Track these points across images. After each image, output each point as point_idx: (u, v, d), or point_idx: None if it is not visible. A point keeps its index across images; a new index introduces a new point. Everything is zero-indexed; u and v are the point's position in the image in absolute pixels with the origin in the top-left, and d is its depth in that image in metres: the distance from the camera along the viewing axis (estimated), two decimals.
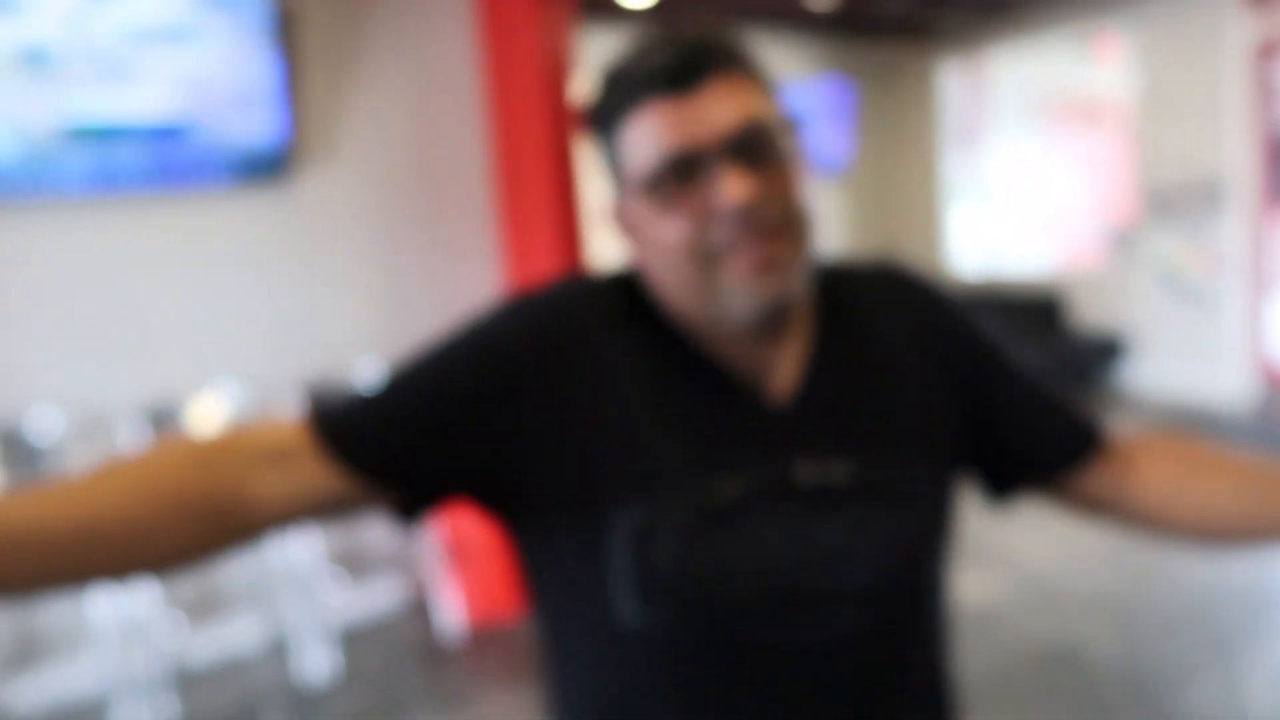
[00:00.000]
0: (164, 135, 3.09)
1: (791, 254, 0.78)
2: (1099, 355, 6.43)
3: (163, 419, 3.12)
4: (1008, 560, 3.73)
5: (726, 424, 0.80)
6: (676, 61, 0.76)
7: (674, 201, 0.76)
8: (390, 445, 0.77)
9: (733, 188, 0.75)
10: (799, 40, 7.39)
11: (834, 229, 7.75)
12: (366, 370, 3.52)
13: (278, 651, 3.33)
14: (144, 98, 3.04)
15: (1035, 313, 6.86)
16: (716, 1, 6.15)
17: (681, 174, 0.76)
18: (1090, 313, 6.73)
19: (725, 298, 0.77)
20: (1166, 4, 6.03)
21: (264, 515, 0.75)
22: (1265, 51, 5.69)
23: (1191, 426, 5.44)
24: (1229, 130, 5.85)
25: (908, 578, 0.82)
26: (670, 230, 0.77)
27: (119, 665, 2.93)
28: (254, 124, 3.23)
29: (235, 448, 0.75)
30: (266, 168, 3.29)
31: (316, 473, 0.76)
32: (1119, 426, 0.96)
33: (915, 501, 0.82)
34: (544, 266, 3.46)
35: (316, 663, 3.17)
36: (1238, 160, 5.83)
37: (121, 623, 2.98)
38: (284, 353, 3.42)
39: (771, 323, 0.79)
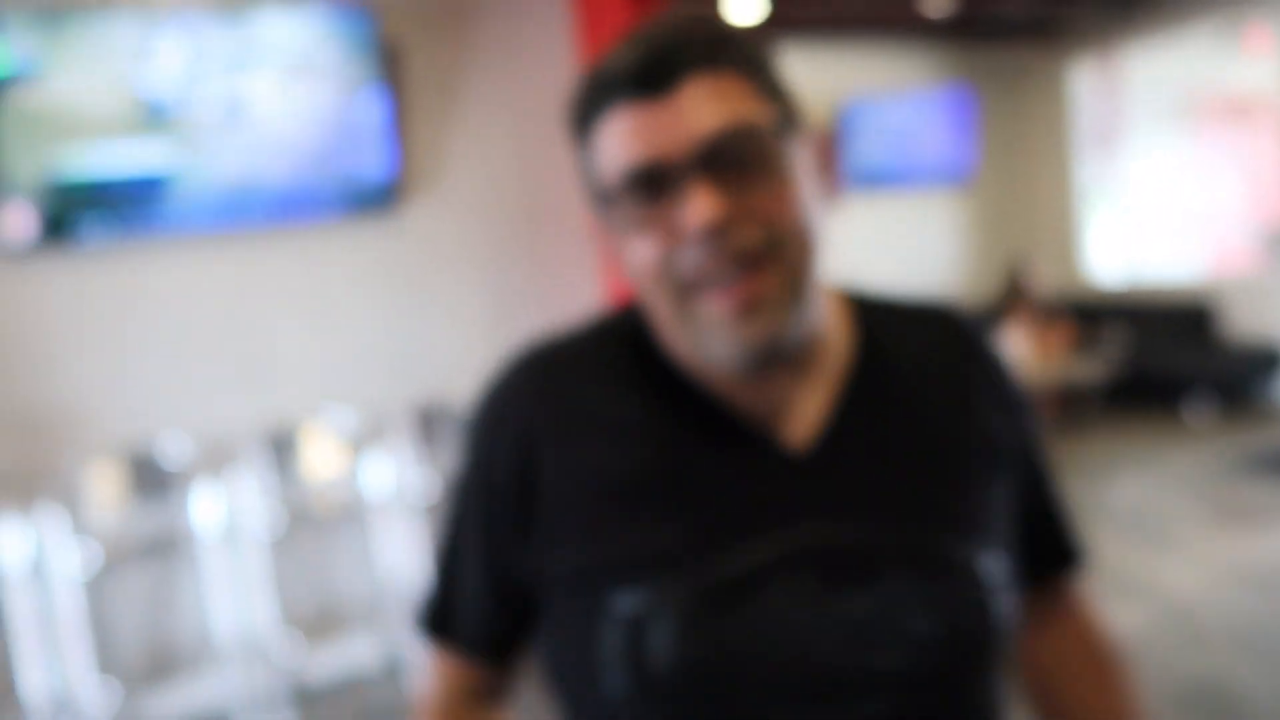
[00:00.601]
0: (281, 173, 3.24)
1: (779, 289, 0.67)
2: (1255, 366, 5.94)
3: (282, 444, 3.25)
4: (1151, 591, 3.47)
5: (737, 481, 0.70)
6: (648, 59, 0.66)
7: (641, 221, 0.67)
8: (498, 619, 0.79)
9: (699, 207, 0.64)
10: (916, 49, 7.19)
11: (957, 241, 7.47)
12: (473, 394, 3.57)
13: (394, 670, 3.40)
14: (262, 137, 3.20)
15: (1183, 322, 6.40)
16: (827, 10, 6.06)
17: (648, 190, 0.66)
18: (1244, 321, 6.24)
19: (705, 338, 0.68)
20: None
21: None
22: None
23: None
24: None
25: (953, 660, 0.69)
26: (640, 252, 0.68)
27: (242, 681, 3.05)
28: (365, 158, 3.35)
29: None
30: (377, 200, 3.41)
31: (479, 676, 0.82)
32: (1081, 585, 0.91)
33: (962, 574, 0.70)
34: None
35: None
36: None
37: (243, 640, 3.12)
38: (395, 378, 3.53)
39: (758, 368, 0.69)
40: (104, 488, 3.00)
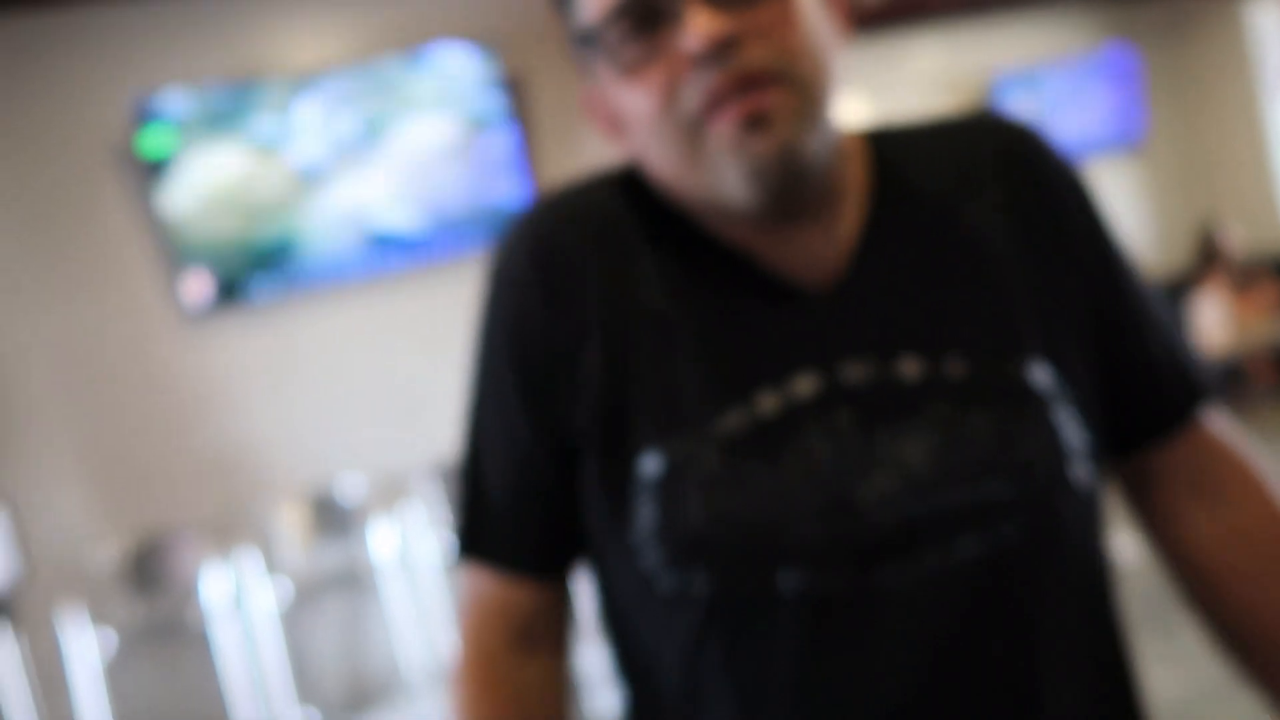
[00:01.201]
0: (423, 213, 3.39)
1: (788, 107, 0.59)
2: None
3: (451, 476, 3.36)
4: None
5: (758, 325, 0.64)
6: None
7: (634, 60, 0.60)
8: (545, 525, 0.70)
9: (696, 24, 0.57)
10: (1069, 14, 6.79)
11: (1134, 210, 6.94)
12: None
13: (577, 694, 3.42)
14: (401, 182, 3.36)
15: None
16: None
17: (637, 22, 0.59)
18: None
19: (717, 171, 0.60)
20: None
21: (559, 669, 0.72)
22: None
23: None
24: None
25: (1029, 494, 0.61)
26: (638, 101, 0.61)
27: (433, 708, 3.14)
28: (499, 190, 3.46)
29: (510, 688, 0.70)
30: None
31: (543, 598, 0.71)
32: (1220, 417, 0.71)
33: (1020, 403, 0.62)
34: None
35: (607, 701, 3.22)
36: None
37: (430, 668, 3.22)
38: None
39: (779, 191, 0.61)
40: (292, 527, 3.18)
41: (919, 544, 0.60)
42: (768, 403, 0.62)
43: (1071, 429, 0.63)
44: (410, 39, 3.45)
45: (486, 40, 3.48)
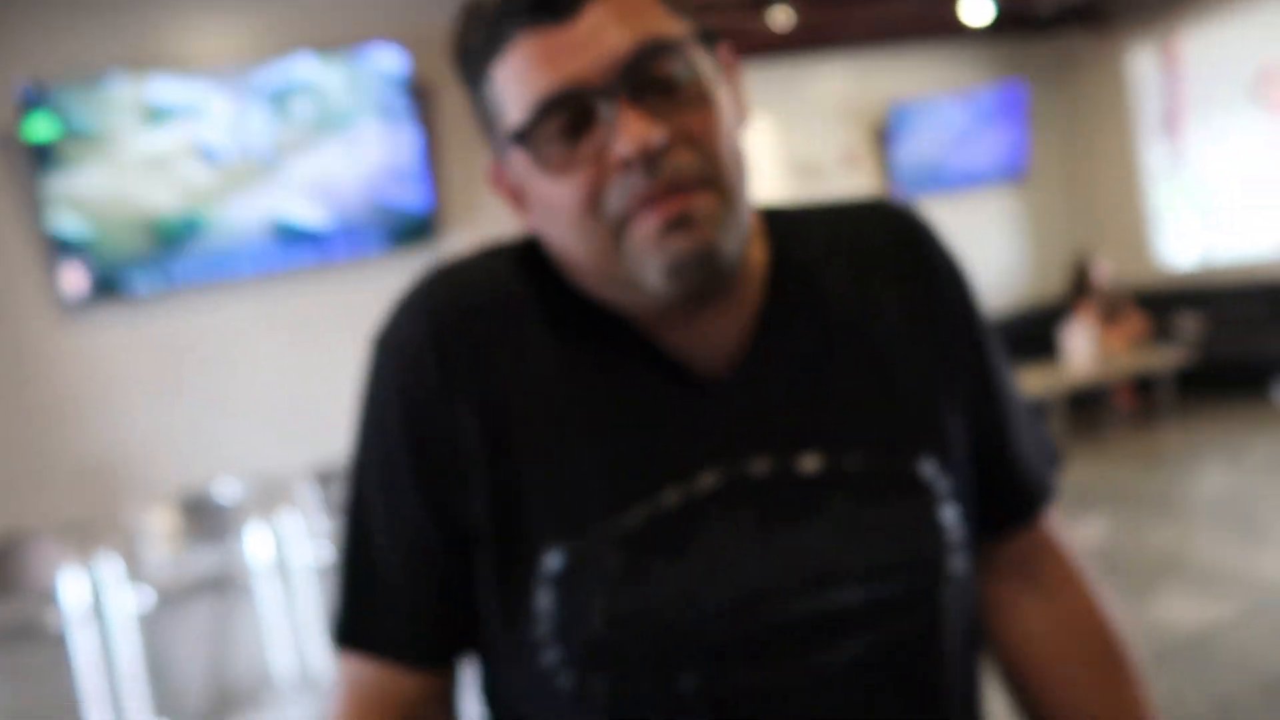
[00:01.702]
0: (322, 211, 3.32)
1: (711, 209, 0.60)
2: None
3: (332, 481, 3.30)
4: (1241, 582, 3.27)
5: (659, 417, 0.63)
6: None
7: (560, 159, 0.60)
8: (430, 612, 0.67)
9: (629, 131, 0.57)
10: (965, 50, 7.07)
11: (1016, 239, 7.27)
12: None
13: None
14: (302, 178, 3.28)
15: (1266, 301, 6.09)
16: (868, 22, 6.01)
17: (566, 122, 0.59)
18: None
19: (635, 266, 0.60)
20: None
21: None
22: None
23: None
24: None
25: (918, 589, 0.63)
26: (560, 195, 0.60)
27: (300, 715, 3.08)
28: (403, 192, 3.41)
29: None
30: (416, 232, 3.47)
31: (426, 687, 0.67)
32: (1056, 516, 0.76)
33: (912, 497, 0.64)
34: None
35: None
36: None
37: (300, 675, 3.15)
38: None
39: (695, 286, 0.61)
40: (161, 530, 3.08)
41: (816, 641, 0.61)
42: (670, 498, 0.62)
43: (954, 521, 0.65)
44: (321, 39, 3.38)
45: (398, 42, 3.44)
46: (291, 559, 3.21)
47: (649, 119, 0.58)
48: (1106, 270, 6.30)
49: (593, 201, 0.60)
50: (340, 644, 0.67)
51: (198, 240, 3.17)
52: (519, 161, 0.63)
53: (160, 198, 3.13)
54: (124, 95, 3.08)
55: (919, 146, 6.76)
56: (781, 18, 5.50)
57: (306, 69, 3.29)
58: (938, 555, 0.64)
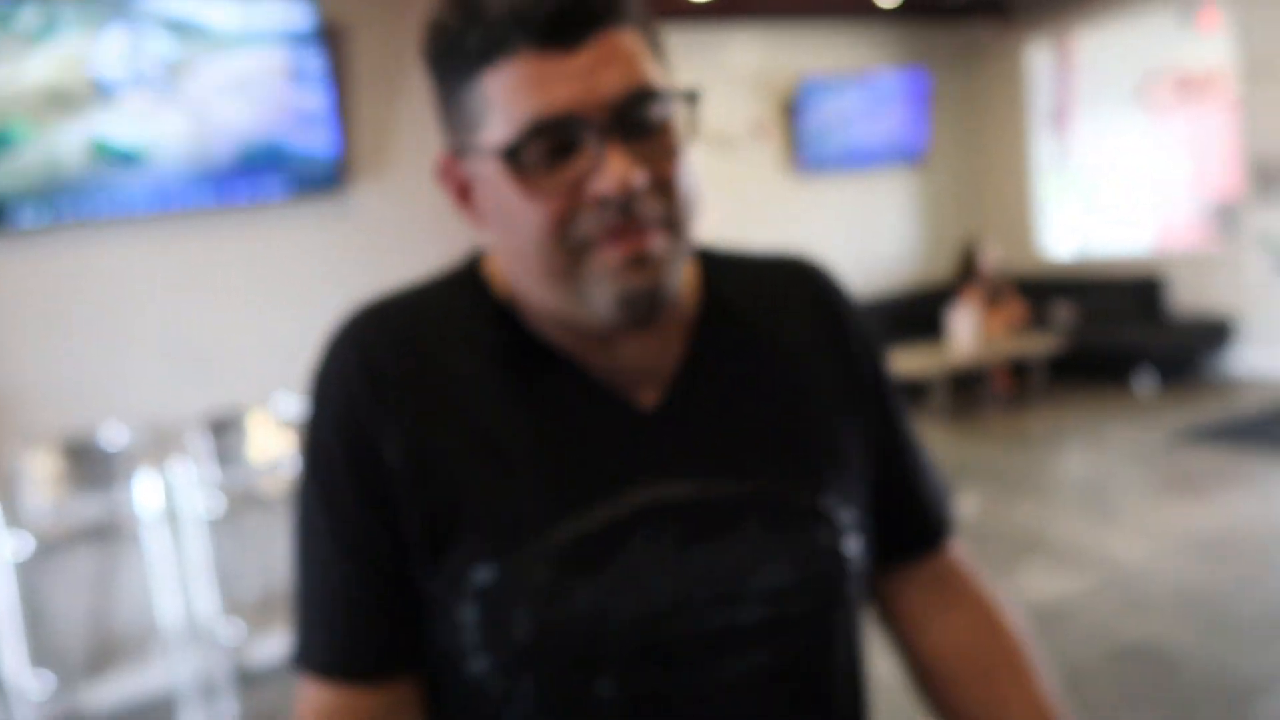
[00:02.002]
0: (223, 153, 3.19)
1: (668, 250, 0.65)
2: (1204, 339, 6.05)
3: (226, 429, 3.22)
4: (1096, 557, 3.53)
5: (588, 440, 0.68)
6: (556, 6, 0.61)
7: (537, 178, 0.63)
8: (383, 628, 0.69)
9: (615, 170, 0.61)
10: (872, 31, 7.21)
11: (911, 220, 7.52)
12: None
13: None
14: (204, 117, 3.15)
15: (1135, 295, 6.50)
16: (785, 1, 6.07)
17: (553, 147, 0.62)
18: (1194, 295, 6.35)
19: (587, 289, 0.65)
20: None
21: None
22: None
23: None
24: None
25: (812, 606, 0.70)
26: (530, 212, 0.63)
27: (185, 667, 3.03)
28: (309, 138, 3.31)
29: None
30: (322, 180, 3.37)
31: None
32: (960, 545, 0.85)
33: (812, 519, 0.70)
34: None
35: None
36: None
37: (186, 626, 3.09)
38: None
39: (637, 318, 0.66)
40: (41, 476, 2.96)
41: (721, 652, 0.67)
42: (598, 517, 0.66)
43: (852, 551, 0.72)
44: None
45: None
46: (181, 508, 3.13)
47: (632, 160, 0.62)
48: (993, 256, 6.59)
49: (560, 226, 0.63)
50: (300, 669, 0.71)
51: (90, 174, 3.01)
52: (491, 170, 0.65)
53: (44, 128, 2.95)
54: (11, 20, 2.89)
55: (825, 122, 6.89)
56: None
57: (209, 6, 3.14)
58: (835, 581, 0.71)
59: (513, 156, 0.62)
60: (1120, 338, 6.13)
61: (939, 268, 7.48)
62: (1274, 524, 3.67)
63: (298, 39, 3.25)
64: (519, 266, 0.67)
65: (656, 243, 0.64)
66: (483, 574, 0.65)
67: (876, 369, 0.79)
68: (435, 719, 0.72)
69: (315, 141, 3.32)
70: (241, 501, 3.32)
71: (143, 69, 3.06)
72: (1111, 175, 7.35)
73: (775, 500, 0.70)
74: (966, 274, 6.58)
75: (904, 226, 7.49)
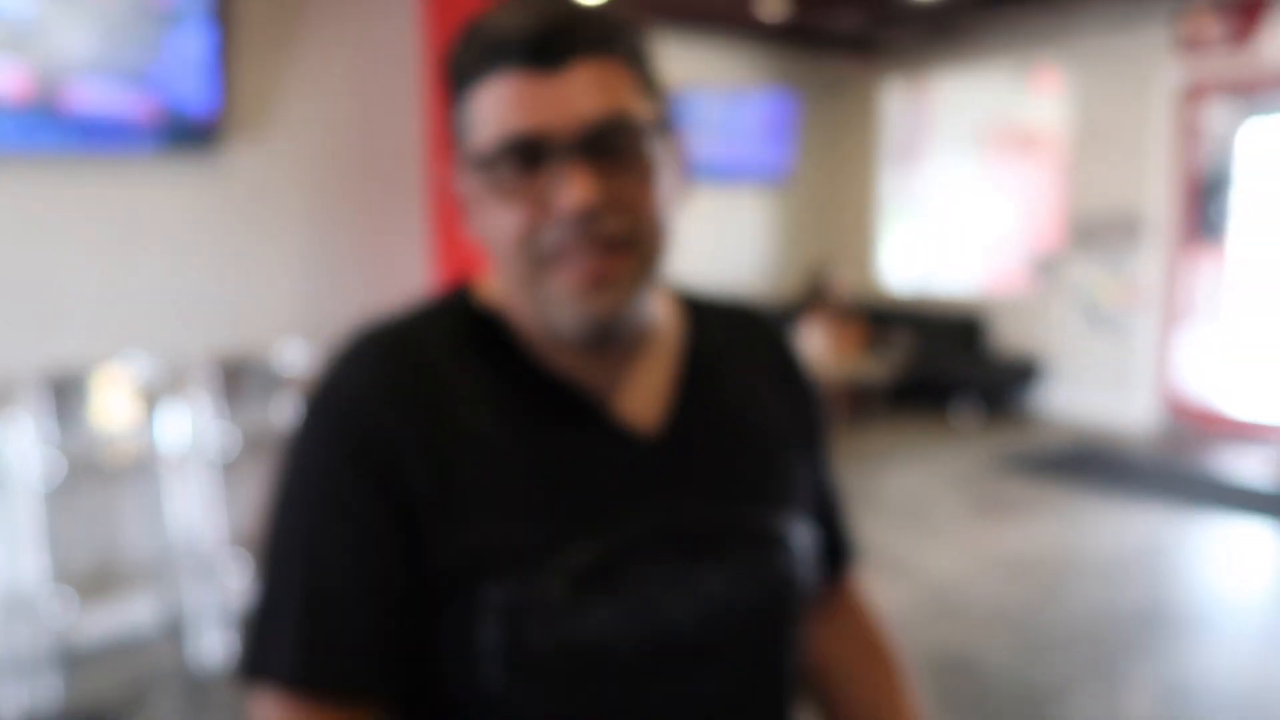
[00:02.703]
0: (87, 96, 2.98)
1: (629, 273, 0.70)
2: (1017, 376, 6.60)
3: (68, 389, 3.02)
4: (915, 572, 3.82)
5: (594, 466, 0.73)
6: (544, 31, 0.66)
7: (510, 189, 0.68)
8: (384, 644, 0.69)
9: (574, 189, 0.66)
10: (749, 49, 7.44)
11: (767, 239, 7.82)
12: (285, 349, 3.44)
13: (174, 633, 3.24)
14: (63, 51, 2.93)
15: (959, 332, 7.02)
16: (664, 4, 6.18)
17: (524, 161, 0.67)
18: (1012, 335, 6.92)
19: (549, 306, 0.70)
20: (1102, 42, 6.23)
21: None
22: (1192, 95, 5.91)
23: (1099, 449, 5.62)
24: (1152, 168, 6.06)
25: (777, 625, 0.78)
26: (502, 221, 0.69)
27: (3, 641, 2.82)
28: (185, 89, 3.14)
29: None
30: (195, 136, 3.21)
31: None
32: (858, 580, 0.99)
33: (783, 546, 0.78)
34: (477, 256, 3.43)
35: (213, 646, 3.09)
36: (1158, 197, 6.05)
37: (6, 597, 2.88)
38: (200, 327, 3.33)
39: (598, 340, 0.72)
40: None
41: (706, 662, 0.73)
42: (609, 540, 0.71)
43: (807, 574, 0.81)
44: None
45: None
46: (13, 468, 2.91)
47: (592, 181, 0.66)
48: (846, 281, 6.94)
49: (527, 235, 0.68)
50: (289, 682, 0.67)
51: None
52: (475, 179, 0.71)
53: None
54: None
55: (697, 133, 7.05)
56: None
57: None
58: (800, 599, 0.80)
59: (487, 167, 0.68)
60: (947, 369, 6.61)
61: (789, 287, 7.81)
62: (1071, 547, 4.08)
63: None
64: (505, 277, 0.73)
65: (616, 266, 0.69)
66: (501, 591, 0.68)
67: (817, 413, 0.90)
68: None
69: (193, 94, 3.15)
70: (80, 467, 3.12)
71: (20, 9, 2.83)
72: (948, 218, 7.90)
73: (753, 526, 0.77)
74: (816, 296, 6.91)
75: (760, 244, 7.77)
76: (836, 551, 0.93)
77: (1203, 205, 6.06)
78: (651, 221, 0.70)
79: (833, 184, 8.10)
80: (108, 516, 3.20)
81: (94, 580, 3.19)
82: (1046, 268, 6.84)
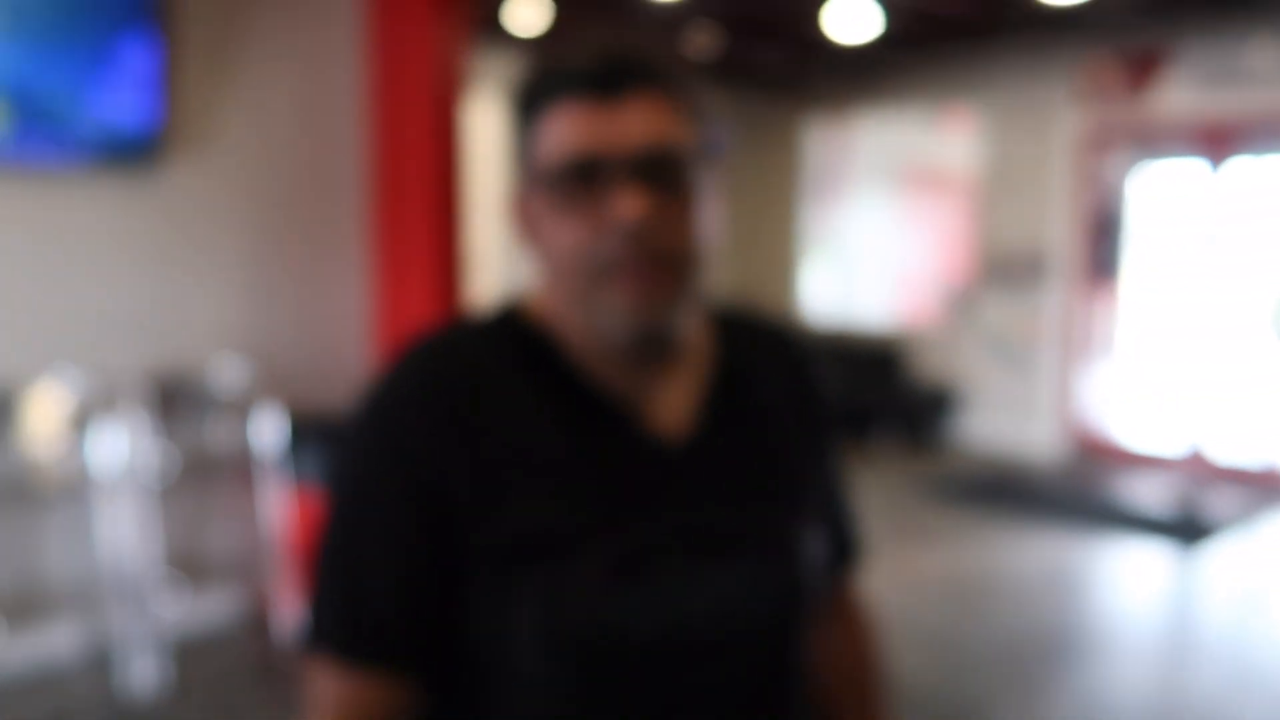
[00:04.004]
0: (17, 105, 2.90)
1: (675, 292, 0.78)
2: (932, 407, 6.86)
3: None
4: None
5: (626, 468, 0.80)
6: (605, 67, 0.76)
7: (572, 206, 0.76)
8: (423, 621, 0.78)
9: (628, 204, 0.74)
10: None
11: None
12: (222, 368, 3.38)
13: (100, 662, 3.12)
14: None
15: (876, 363, 7.26)
16: (597, 35, 6.28)
17: (585, 179, 0.75)
18: (926, 367, 7.19)
19: (602, 316, 0.77)
20: (1009, 87, 6.58)
21: None
22: (1092, 140, 6.29)
23: (1009, 477, 5.88)
24: (1054, 209, 6.41)
25: (784, 622, 0.84)
26: (564, 234, 0.77)
27: None
28: (123, 103, 3.08)
29: None
30: (133, 151, 3.14)
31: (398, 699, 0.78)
32: (856, 584, 1.05)
33: (794, 551, 0.85)
34: (416, 278, 3.44)
35: (143, 675, 3.00)
36: (1060, 237, 6.40)
37: None
38: (135, 343, 3.24)
39: (644, 351, 0.80)
40: None
41: (719, 654, 0.80)
42: (635, 536, 0.78)
43: (817, 577, 0.88)
44: None
45: None
46: None
47: (643, 198, 0.75)
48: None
49: (586, 248, 0.76)
50: (338, 654, 0.77)
51: None
52: (540, 197, 0.78)
53: None
54: None
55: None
56: (527, 14, 5.62)
57: None
58: (807, 598, 0.87)
59: (552, 183, 0.76)
60: (864, 399, 6.82)
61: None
62: (990, 571, 4.27)
63: None
64: (560, 290, 0.80)
65: (665, 284, 0.77)
66: (541, 577, 0.76)
67: (830, 431, 0.97)
68: (474, 709, 0.81)
69: (130, 108, 3.09)
70: (6, 489, 3.00)
71: None
72: (866, 253, 8.17)
73: (768, 531, 0.84)
74: None
75: None
76: (842, 550, 1.00)
77: (1101, 246, 6.43)
78: (692, 242, 0.78)
79: (755, 217, 8.30)
80: (35, 541, 3.08)
81: (15, 605, 3.06)
82: (958, 303, 7.15)
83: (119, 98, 3.06)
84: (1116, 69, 6.05)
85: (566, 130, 0.76)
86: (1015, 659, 3.33)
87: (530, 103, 0.79)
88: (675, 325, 0.80)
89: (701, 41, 6.28)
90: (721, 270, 8.08)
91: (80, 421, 3.06)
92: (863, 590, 1.06)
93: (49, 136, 2.97)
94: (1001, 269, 6.70)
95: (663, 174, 0.76)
